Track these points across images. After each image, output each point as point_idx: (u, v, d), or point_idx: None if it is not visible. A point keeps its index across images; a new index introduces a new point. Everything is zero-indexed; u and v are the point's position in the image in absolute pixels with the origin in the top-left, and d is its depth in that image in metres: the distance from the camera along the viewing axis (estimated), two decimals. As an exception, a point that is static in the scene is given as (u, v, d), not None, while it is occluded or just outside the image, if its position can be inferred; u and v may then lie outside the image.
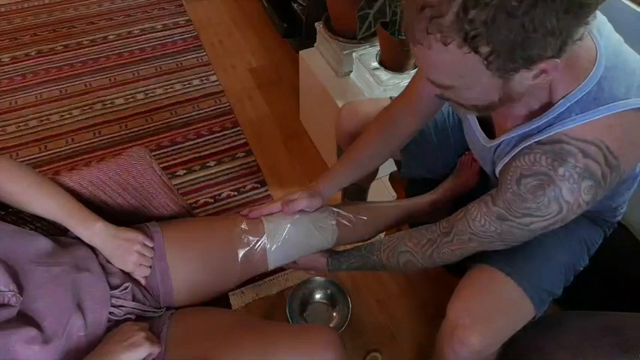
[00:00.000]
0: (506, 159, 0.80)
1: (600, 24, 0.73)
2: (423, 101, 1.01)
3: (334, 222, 1.09)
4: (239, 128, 2.05)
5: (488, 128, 0.89)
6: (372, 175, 1.46)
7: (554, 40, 0.58)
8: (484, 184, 1.18)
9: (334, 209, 1.11)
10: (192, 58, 2.37)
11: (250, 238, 1.02)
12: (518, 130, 0.78)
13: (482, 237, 0.83)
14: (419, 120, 1.05)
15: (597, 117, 0.68)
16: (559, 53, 0.61)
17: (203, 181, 1.84)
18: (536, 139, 0.74)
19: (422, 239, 0.93)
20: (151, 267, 0.94)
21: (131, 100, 2.15)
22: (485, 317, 0.89)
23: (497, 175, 0.84)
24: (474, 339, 0.88)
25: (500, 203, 0.77)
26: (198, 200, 1.78)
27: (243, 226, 1.03)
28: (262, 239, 1.02)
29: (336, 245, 1.12)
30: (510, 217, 0.76)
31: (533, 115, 0.76)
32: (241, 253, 1.01)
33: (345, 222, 1.10)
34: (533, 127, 0.75)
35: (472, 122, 0.92)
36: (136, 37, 2.48)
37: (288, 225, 1.04)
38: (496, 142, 0.84)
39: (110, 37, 2.47)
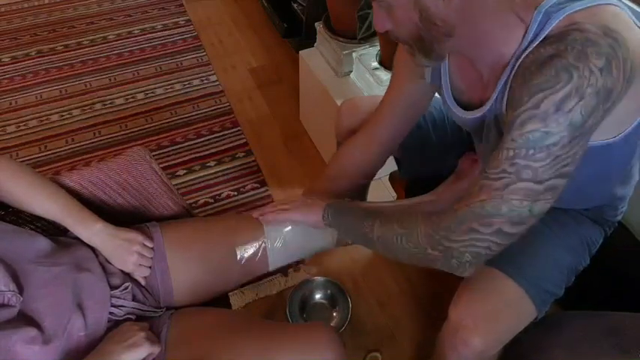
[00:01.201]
0: (508, 86, 0.75)
1: None
2: (388, 126, 1.05)
3: None
4: (239, 128, 2.05)
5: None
6: (372, 175, 1.46)
7: None
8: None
9: None
10: (192, 58, 2.37)
11: (250, 239, 1.02)
12: (510, 65, 0.74)
13: (494, 178, 0.69)
14: (385, 148, 1.10)
15: (576, 9, 0.67)
16: None
17: (203, 181, 1.84)
18: (530, 49, 0.70)
19: (433, 211, 0.80)
20: (150, 267, 0.94)
21: (131, 100, 2.16)
22: (487, 318, 0.89)
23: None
24: (476, 340, 0.88)
25: (509, 113, 0.70)
26: (198, 200, 1.78)
27: (244, 227, 1.03)
28: (262, 240, 1.02)
29: (336, 245, 1.11)
30: (518, 110, 0.67)
31: (512, 57, 0.74)
32: (240, 254, 1.01)
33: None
34: (522, 47, 0.72)
35: (453, 107, 0.91)
36: (136, 37, 2.48)
37: (289, 226, 1.04)
38: (495, 94, 0.79)
39: (110, 37, 2.47)
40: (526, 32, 0.72)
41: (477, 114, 0.85)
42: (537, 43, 0.70)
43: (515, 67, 0.73)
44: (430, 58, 0.79)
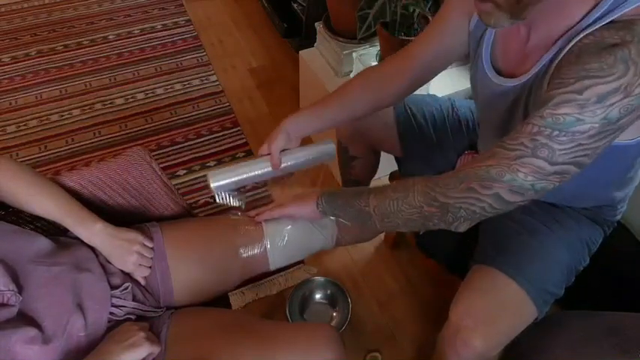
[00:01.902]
0: (556, 61, 0.72)
1: None
2: (417, 66, 0.99)
3: (334, 220, 1.09)
4: (239, 128, 2.05)
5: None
6: (372, 173, 1.46)
7: None
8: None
9: None
10: (192, 58, 2.37)
11: (250, 239, 1.02)
12: (564, 39, 0.71)
13: (508, 147, 0.68)
14: (407, 84, 1.02)
15: None
16: None
17: (203, 181, 1.84)
18: (592, 29, 0.66)
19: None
20: (150, 267, 0.94)
21: (131, 100, 2.16)
22: (488, 319, 0.89)
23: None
24: (477, 341, 0.88)
25: (549, 88, 0.67)
26: (198, 200, 1.78)
27: (244, 227, 1.03)
28: (263, 240, 1.02)
29: (336, 244, 1.12)
30: (557, 91, 0.64)
31: (570, 29, 0.70)
32: (241, 254, 1.01)
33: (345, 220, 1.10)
34: (585, 24, 0.68)
35: (488, 71, 0.87)
36: (136, 37, 2.48)
37: (289, 225, 1.04)
38: (538, 67, 0.76)
39: (110, 37, 2.47)
40: (594, 7, 0.68)
41: (515, 82, 0.81)
42: (603, 24, 0.66)
43: (570, 45, 0.69)
44: (515, 19, 0.71)
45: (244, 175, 1.03)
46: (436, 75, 1.04)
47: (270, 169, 1.03)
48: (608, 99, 0.62)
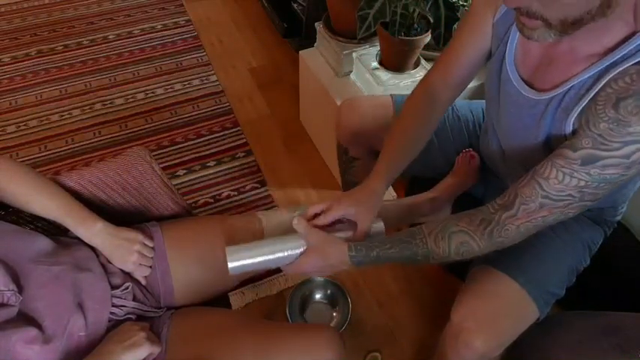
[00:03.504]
0: (585, 100, 0.73)
1: None
2: (459, 70, 0.97)
3: None
4: (239, 128, 2.05)
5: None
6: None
7: None
8: (483, 182, 1.18)
9: None
10: (192, 58, 2.37)
11: (250, 238, 1.02)
12: (595, 67, 0.72)
13: (556, 199, 0.72)
14: (454, 91, 1.01)
15: None
16: None
17: (203, 181, 1.84)
18: (627, 64, 0.67)
19: (475, 219, 0.81)
20: (151, 267, 0.94)
21: (131, 100, 2.15)
22: (489, 320, 0.89)
23: (571, 127, 0.76)
24: (478, 342, 0.88)
25: (588, 142, 0.68)
26: (198, 200, 1.78)
27: (243, 226, 1.03)
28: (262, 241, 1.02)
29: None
30: (603, 154, 0.67)
31: (608, 51, 0.70)
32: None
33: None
34: (619, 56, 0.69)
35: (514, 79, 0.85)
36: (136, 37, 2.48)
37: (288, 224, 1.04)
38: (562, 88, 0.76)
39: (110, 37, 2.47)
40: (632, 37, 0.68)
41: (542, 96, 0.80)
42: (638, 60, 0.66)
43: (608, 78, 0.70)
44: (560, 36, 0.70)
45: (269, 257, 0.90)
46: (474, 77, 1.01)
47: (298, 251, 0.90)
48: None
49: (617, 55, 0.69)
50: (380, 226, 0.98)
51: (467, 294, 0.93)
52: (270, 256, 0.90)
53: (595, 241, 1.01)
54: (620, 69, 0.68)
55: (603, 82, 0.70)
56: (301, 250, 0.90)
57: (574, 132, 0.76)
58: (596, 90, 0.71)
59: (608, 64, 0.71)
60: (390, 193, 1.72)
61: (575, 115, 0.75)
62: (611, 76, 0.69)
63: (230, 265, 0.88)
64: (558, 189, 0.72)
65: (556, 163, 0.72)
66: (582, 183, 0.70)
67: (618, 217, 1.02)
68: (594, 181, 0.69)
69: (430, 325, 1.47)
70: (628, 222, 1.23)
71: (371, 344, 1.43)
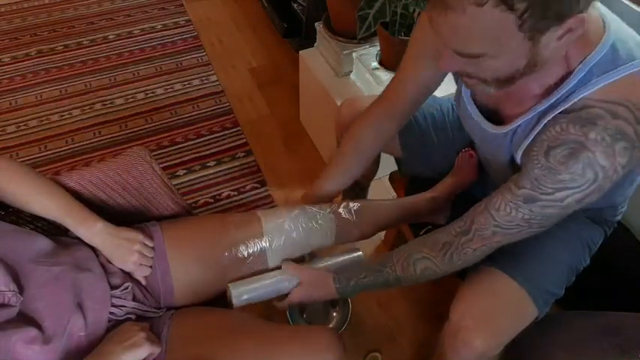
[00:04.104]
0: (528, 140, 0.77)
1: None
2: (402, 104, 1.02)
3: (333, 217, 1.09)
4: (239, 128, 2.05)
5: (492, 118, 0.87)
6: (372, 174, 1.46)
7: None
8: (483, 181, 1.18)
9: (334, 205, 1.11)
10: (192, 58, 2.37)
11: (250, 237, 1.02)
12: (537, 108, 0.75)
13: (507, 228, 0.78)
14: (400, 121, 1.07)
15: (619, 76, 0.67)
16: (586, 5, 0.60)
17: (203, 181, 1.84)
18: (560, 110, 0.71)
19: (437, 243, 0.88)
20: (151, 267, 0.94)
21: (131, 100, 2.15)
22: (488, 319, 0.89)
23: (519, 160, 0.81)
24: (477, 341, 0.88)
25: (527, 184, 0.73)
26: (198, 200, 1.78)
27: (243, 225, 1.03)
28: (262, 238, 1.02)
29: (336, 243, 1.11)
30: (541, 197, 0.72)
31: (549, 91, 0.74)
32: (242, 251, 1.01)
33: (344, 217, 1.10)
34: (553, 99, 0.73)
35: (474, 114, 0.89)
36: (136, 37, 2.48)
37: (287, 223, 1.04)
38: (511, 126, 0.81)
39: (110, 37, 2.47)
40: (566, 80, 0.71)
41: (497, 130, 0.85)
42: (570, 104, 0.70)
43: (543, 123, 0.74)
44: (499, 89, 0.74)
45: (268, 289, 1.03)
46: (422, 104, 1.07)
47: (296, 282, 1.04)
48: (586, 199, 0.71)
49: (553, 98, 0.73)
50: (357, 255, 1.15)
51: (466, 293, 0.93)
52: (271, 289, 1.03)
53: (595, 240, 1.01)
54: (555, 113, 0.72)
55: (543, 124, 0.75)
56: (296, 282, 1.04)
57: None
58: (537, 131, 0.76)
59: (547, 105, 0.74)
60: (390, 193, 1.72)
61: (522, 151, 0.80)
62: (548, 119, 0.74)
63: (235, 301, 0.99)
64: (507, 220, 0.77)
65: (505, 196, 0.77)
66: (527, 216, 0.75)
67: (618, 217, 1.02)
68: (537, 216, 0.75)
69: (430, 324, 1.47)
70: (628, 222, 1.23)
71: (371, 344, 1.43)
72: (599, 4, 0.72)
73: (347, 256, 1.14)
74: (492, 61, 0.67)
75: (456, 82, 0.96)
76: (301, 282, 1.03)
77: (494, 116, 0.87)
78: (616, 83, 0.68)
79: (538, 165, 0.71)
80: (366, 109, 1.09)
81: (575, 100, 0.70)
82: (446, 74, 0.98)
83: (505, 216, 0.77)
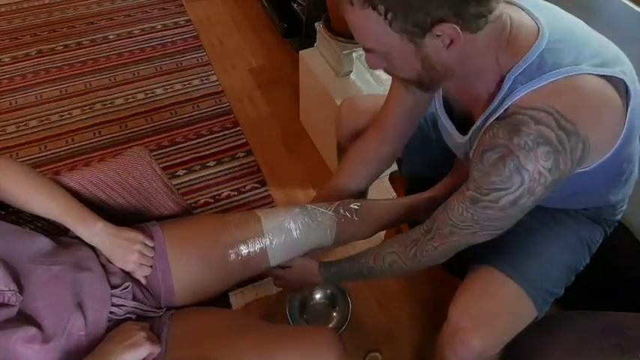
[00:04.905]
0: (475, 144, 0.81)
1: (543, 7, 0.78)
2: (394, 126, 1.06)
3: (333, 216, 1.09)
4: (239, 128, 2.05)
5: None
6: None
7: (445, 3, 0.63)
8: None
9: (334, 205, 1.11)
10: (192, 58, 2.37)
11: (250, 237, 1.02)
12: (482, 116, 0.79)
13: (461, 227, 0.82)
14: (396, 144, 1.11)
15: (541, 84, 0.70)
16: (458, 19, 0.64)
17: (203, 181, 1.84)
18: (495, 116, 0.75)
19: (407, 240, 0.93)
20: (151, 266, 0.94)
21: (131, 100, 2.16)
22: (487, 319, 0.89)
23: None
24: (475, 341, 0.88)
25: (471, 185, 0.77)
26: (199, 200, 1.78)
27: (244, 225, 1.03)
28: (263, 237, 1.02)
29: (336, 242, 1.11)
30: (481, 197, 0.76)
31: (490, 98, 0.78)
32: (241, 252, 1.01)
33: (344, 216, 1.10)
34: (491, 107, 0.77)
35: (445, 121, 0.93)
36: (136, 37, 2.48)
37: (287, 222, 1.04)
38: (468, 135, 0.86)
39: (110, 37, 2.47)
40: (499, 90, 0.75)
41: (462, 139, 0.89)
42: (502, 111, 0.74)
43: (483, 129, 0.78)
44: (426, 92, 0.85)
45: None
46: (422, 117, 1.11)
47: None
48: (519, 201, 0.73)
49: (492, 105, 0.76)
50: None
51: (464, 293, 0.94)
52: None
53: (594, 239, 1.00)
54: (491, 120, 0.76)
55: (481, 134, 0.78)
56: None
57: None
58: (478, 139, 0.79)
59: (488, 112, 0.77)
60: (390, 193, 1.72)
61: (471, 154, 0.83)
62: (485, 127, 0.77)
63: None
64: (460, 219, 0.80)
65: (458, 197, 0.81)
66: (475, 217, 0.78)
67: (618, 217, 1.02)
68: (482, 216, 0.78)
69: (430, 324, 1.47)
70: (628, 222, 1.23)
71: (371, 344, 1.43)
72: (535, 11, 0.75)
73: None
74: (393, 60, 0.74)
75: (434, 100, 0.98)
76: (293, 267, 1.09)
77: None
78: (539, 90, 0.70)
79: (476, 167, 0.75)
80: (363, 134, 1.14)
81: (505, 107, 0.73)
82: (432, 98, 1.01)
83: (458, 216, 0.80)
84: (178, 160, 1.92)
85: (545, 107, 0.68)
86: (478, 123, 0.81)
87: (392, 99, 1.05)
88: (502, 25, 0.72)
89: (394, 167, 1.37)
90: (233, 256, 1.00)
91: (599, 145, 0.73)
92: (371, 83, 1.55)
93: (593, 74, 0.70)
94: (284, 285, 1.18)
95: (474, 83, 0.79)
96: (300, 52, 1.81)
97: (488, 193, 0.74)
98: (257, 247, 1.02)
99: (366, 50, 0.76)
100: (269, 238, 1.02)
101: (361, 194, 1.51)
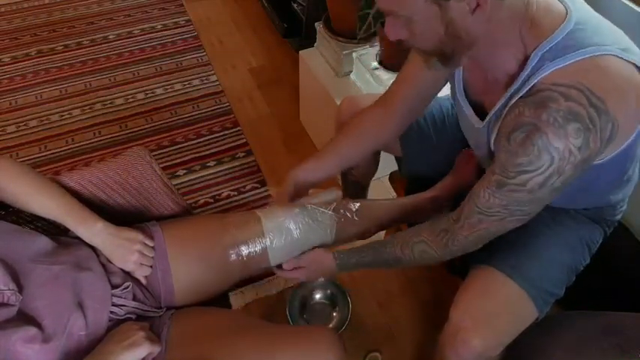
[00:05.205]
0: (497, 127, 0.80)
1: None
2: (402, 105, 1.03)
3: (333, 216, 1.09)
4: (239, 128, 2.05)
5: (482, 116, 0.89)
6: (372, 173, 1.46)
7: None
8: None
9: (334, 204, 1.11)
10: (192, 58, 2.37)
11: (251, 237, 1.02)
12: (504, 97, 0.78)
13: (489, 214, 0.79)
14: (399, 121, 1.07)
15: (570, 62, 0.69)
16: None
17: (203, 181, 1.84)
18: (519, 95, 0.74)
19: (436, 229, 0.90)
20: (151, 266, 0.94)
21: (131, 100, 2.16)
22: (487, 320, 0.89)
23: (494, 150, 0.84)
24: (476, 342, 0.88)
25: (497, 169, 0.75)
26: (198, 200, 1.78)
27: (244, 225, 1.03)
28: (263, 237, 1.02)
29: (336, 242, 1.11)
30: (507, 181, 0.74)
31: (512, 79, 0.77)
32: (241, 252, 1.01)
33: (344, 216, 1.10)
34: (514, 88, 0.75)
35: (464, 105, 0.91)
36: (136, 37, 2.48)
37: (287, 222, 1.04)
38: (487, 118, 0.84)
39: (110, 37, 2.47)
40: (524, 66, 0.73)
41: (481, 124, 0.87)
42: (527, 89, 0.72)
43: (506, 109, 0.76)
44: (447, 66, 0.79)
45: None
46: (425, 106, 1.09)
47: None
48: (547, 182, 0.71)
49: (515, 85, 0.75)
50: (333, 194, 1.13)
51: (465, 293, 0.94)
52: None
53: (594, 239, 1.01)
54: (514, 100, 0.74)
55: (504, 113, 0.77)
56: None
57: None
58: (501, 120, 0.78)
59: (510, 92, 0.76)
60: (390, 193, 1.72)
61: (493, 140, 0.83)
62: (510, 105, 0.76)
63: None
64: (487, 206, 0.78)
65: (483, 184, 0.79)
66: (504, 202, 0.76)
67: (618, 217, 1.02)
68: (511, 201, 0.76)
69: (430, 325, 1.47)
70: (628, 222, 1.23)
71: (371, 344, 1.43)
72: (568, 2, 0.74)
73: (325, 197, 1.12)
74: (415, 26, 0.72)
75: (451, 81, 0.96)
76: (301, 264, 1.06)
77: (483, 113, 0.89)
78: (566, 69, 0.69)
79: (502, 149, 0.74)
80: (367, 108, 1.10)
81: (530, 85, 0.72)
82: (445, 81, 1.00)
83: (485, 202, 0.78)
84: (178, 160, 1.92)
85: (576, 84, 0.67)
86: (498, 106, 0.79)
87: (405, 76, 1.03)
88: (527, 0, 0.70)
89: (394, 167, 1.37)
90: (233, 256, 1.00)
91: (622, 130, 0.71)
92: (371, 83, 1.56)
93: (618, 56, 0.69)
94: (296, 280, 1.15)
95: (495, 62, 0.78)
96: (300, 52, 1.81)
97: (515, 175, 0.72)
98: (257, 247, 1.02)
99: (388, 14, 0.74)
100: (269, 239, 1.02)
101: (360, 192, 1.51)
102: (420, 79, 1.00)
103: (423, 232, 0.93)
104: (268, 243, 1.02)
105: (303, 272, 1.06)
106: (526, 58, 0.73)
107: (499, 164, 0.75)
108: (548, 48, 0.71)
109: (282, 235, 1.03)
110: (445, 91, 1.62)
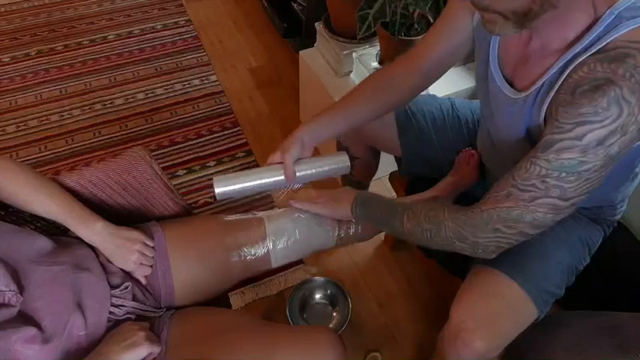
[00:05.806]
0: (552, 93, 0.75)
1: None
2: (426, 64, 1.00)
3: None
4: (239, 128, 2.05)
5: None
6: (372, 173, 1.46)
7: None
8: (483, 181, 1.18)
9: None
10: (192, 58, 2.37)
11: (252, 237, 1.02)
12: (560, 62, 0.74)
13: (522, 188, 0.72)
14: (419, 80, 1.03)
15: None
16: None
17: (203, 181, 1.84)
18: (587, 55, 0.69)
19: (458, 208, 0.84)
20: (151, 266, 0.94)
21: (131, 100, 2.16)
22: (488, 320, 0.89)
23: (541, 121, 0.79)
24: (477, 342, 0.88)
25: (549, 129, 0.70)
26: (198, 200, 1.78)
27: (246, 226, 1.03)
28: (265, 239, 1.02)
29: (336, 243, 1.11)
30: (557, 137, 0.68)
31: (572, 42, 0.73)
32: (243, 253, 1.01)
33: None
34: (580, 47, 0.71)
35: (497, 77, 0.88)
36: (136, 37, 2.48)
37: (290, 224, 1.04)
38: (535, 86, 0.79)
39: (110, 37, 2.47)
40: (592, 27, 0.70)
41: (519, 95, 0.83)
42: (597, 49, 0.69)
43: (569, 70, 0.72)
44: (520, 29, 0.73)
45: (251, 183, 1.00)
46: (445, 72, 1.05)
47: (281, 177, 1.01)
48: (607, 141, 0.66)
49: (579, 47, 0.71)
50: (344, 166, 1.07)
51: (466, 294, 0.93)
52: (256, 179, 1.00)
53: (594, 240, 1.01)
54: (581, 59, 0.70)
55: (566, 74, 0.72)
56: (282, 177, 1.01)
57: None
58: (560, 82, 0.73)
59: (571, 56, 0.73)
60: (390, 193, 1.72)
61: (545, 108, 0.77)
62: (573, 66, 0.71)
63: (217, 190, 0.97)
64: (524, 177, 0.73)
65: (527, 155, 0.74)
66: (543, 171, 0.71)
67: (618, 217, 1.02)
68: (554, 169, 0.70)
69: (430, 325, 1.47)
70: (628, 222, 1.23)
71: (371, 344, 1.43)
72: None
73: (333, 166, 1.07)
74: None
75: (479, 51, 0.94)
76: (324, 198, 1.04)
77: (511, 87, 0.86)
78: None
79: (562, 104, 0.69)
80: (391, 64, 1.06)
81: (604, 43, 0.68)
82: (466, 51, 0.98)
83: (524, 173, 0.73)
84: (178, 160, 1.92)
85: None
86: (554, 69, 0.75)
87: (438, 31, 0.99)
88: None
89: (394, 167, 1.37)
90: (235, 258, 1.00)
91: None
92: (371, 83, 1.55)
93: None
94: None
95: (555, 26, 0.73)
96: (300, 52, 1.81)
97: (573, 127, 0.67)
98: (259, 249, 1.02)
99: None
100: (272, 241, 1.02)
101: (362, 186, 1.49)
102: (458, 37, 0.96)
103: (446, 206, 0.86)
104: (271, 245, 1.02)
105: (319, 207, 1.04)
106: (595, 20, 0.70)
107: (551, 124, 0.70)
108: (625, 6, 0.68)
109: (285, 237, 1.03)
110: (445, 91, 1.62)
